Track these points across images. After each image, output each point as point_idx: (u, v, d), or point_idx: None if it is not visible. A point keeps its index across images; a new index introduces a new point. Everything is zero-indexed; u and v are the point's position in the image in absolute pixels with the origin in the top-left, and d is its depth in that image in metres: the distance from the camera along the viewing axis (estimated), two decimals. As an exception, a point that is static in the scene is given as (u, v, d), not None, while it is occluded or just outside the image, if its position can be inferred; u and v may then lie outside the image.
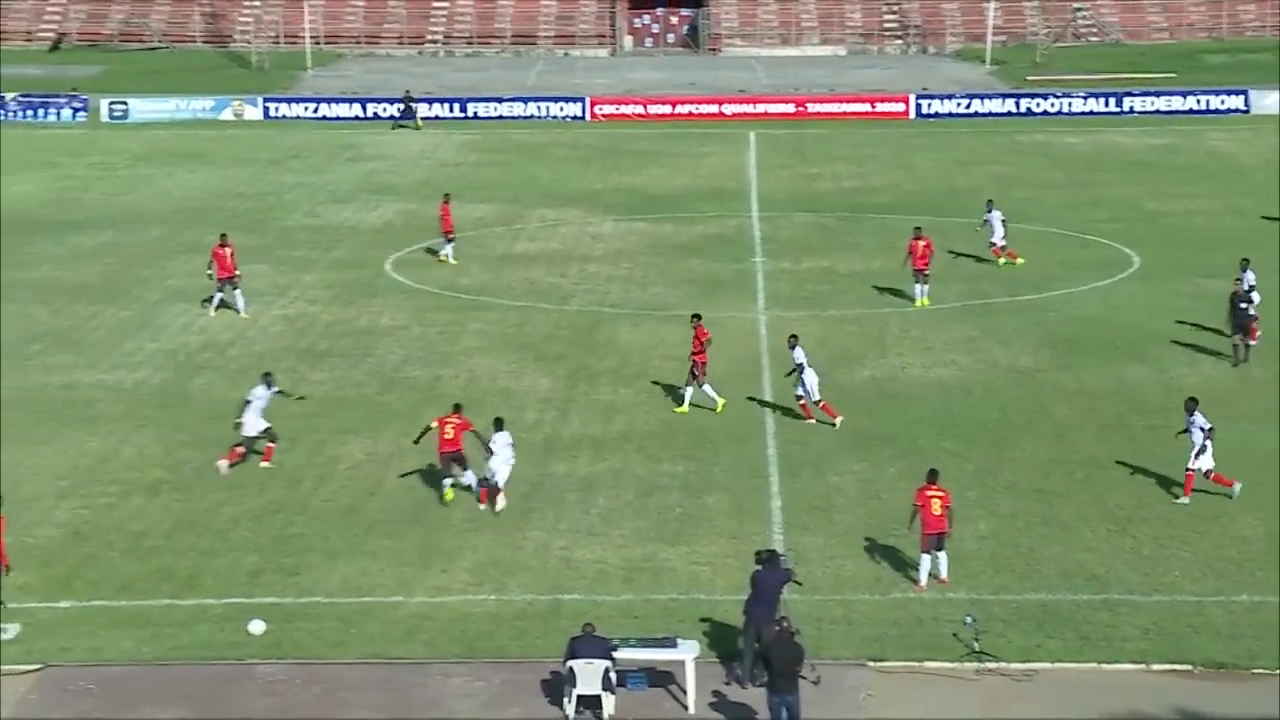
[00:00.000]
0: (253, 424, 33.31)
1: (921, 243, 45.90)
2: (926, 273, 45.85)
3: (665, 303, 46.69)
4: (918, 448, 34.60)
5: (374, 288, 48.27)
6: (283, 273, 49.91)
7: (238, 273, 45.18)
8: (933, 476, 28.58)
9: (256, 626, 26.06)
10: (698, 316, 37.86)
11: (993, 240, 50.48)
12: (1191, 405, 31.99)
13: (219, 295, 44.98)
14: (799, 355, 36.31)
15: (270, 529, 30.31)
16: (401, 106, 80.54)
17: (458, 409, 32.08)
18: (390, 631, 26.46)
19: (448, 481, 31.55)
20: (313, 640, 26.11)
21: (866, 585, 28.12)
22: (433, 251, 52.18)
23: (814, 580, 27.74)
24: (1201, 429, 31.41)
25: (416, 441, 32.29)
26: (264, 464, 33.22)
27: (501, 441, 31.20)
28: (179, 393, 38.14)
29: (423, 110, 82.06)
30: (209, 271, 45.34)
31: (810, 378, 36.14)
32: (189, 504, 31.46)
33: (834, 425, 35.61)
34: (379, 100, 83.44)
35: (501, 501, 31.05)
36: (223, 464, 32.89)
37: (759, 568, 25.15)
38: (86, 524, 30.41)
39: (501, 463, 31.12)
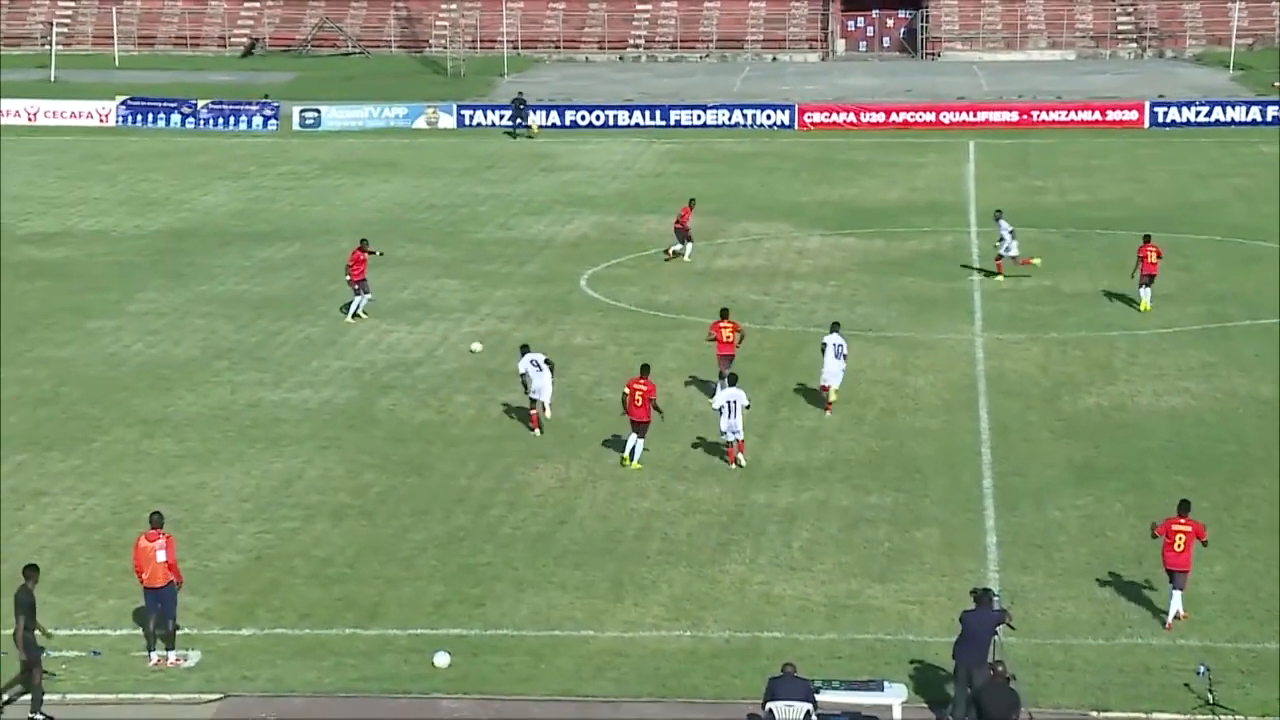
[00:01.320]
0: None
1: (1152, 250, 46.93)
2: (1154, 276, 46.95)
3: (875, 323, 46.39)
4: (1147, 481, 33.95)
5: (568, 304, 48.64)
6: (474, 288, 50.52)
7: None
8: (1183, 509, 28.04)
9: (441, 659, 26.34)
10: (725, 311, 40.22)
11: (1000, 253, 50.95)
12: None
13: (358, 300, 46.18)
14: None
15: (457, 557, 30.64)
16: (513, 111, 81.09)
17: (645, 371, 35.50)
18: (580, 667, 26.57)
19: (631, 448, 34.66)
20: (499, 675, 26.31)
21: (1089, 629, 27.62)
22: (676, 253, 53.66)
23: (1032, 622, 27.32)
24: None
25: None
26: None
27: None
28: (365, 413, 38.74)
29: (622, 118, 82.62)
30: (348, 277, 46.42)
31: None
32: (374, 530, 31.93)
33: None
34: (577, 108, 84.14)
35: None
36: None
37: (971, 607, 24.83)
38: (270, 549, 31.00)
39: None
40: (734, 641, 27.32)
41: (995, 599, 25.80)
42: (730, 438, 35.03)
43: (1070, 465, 35.05)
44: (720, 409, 34.98)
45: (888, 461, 35.46)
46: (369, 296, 46.64)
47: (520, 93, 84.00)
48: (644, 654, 26.69)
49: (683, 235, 53.94)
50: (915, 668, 26.30)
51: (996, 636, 24.84)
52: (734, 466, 34.81)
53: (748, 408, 35.30)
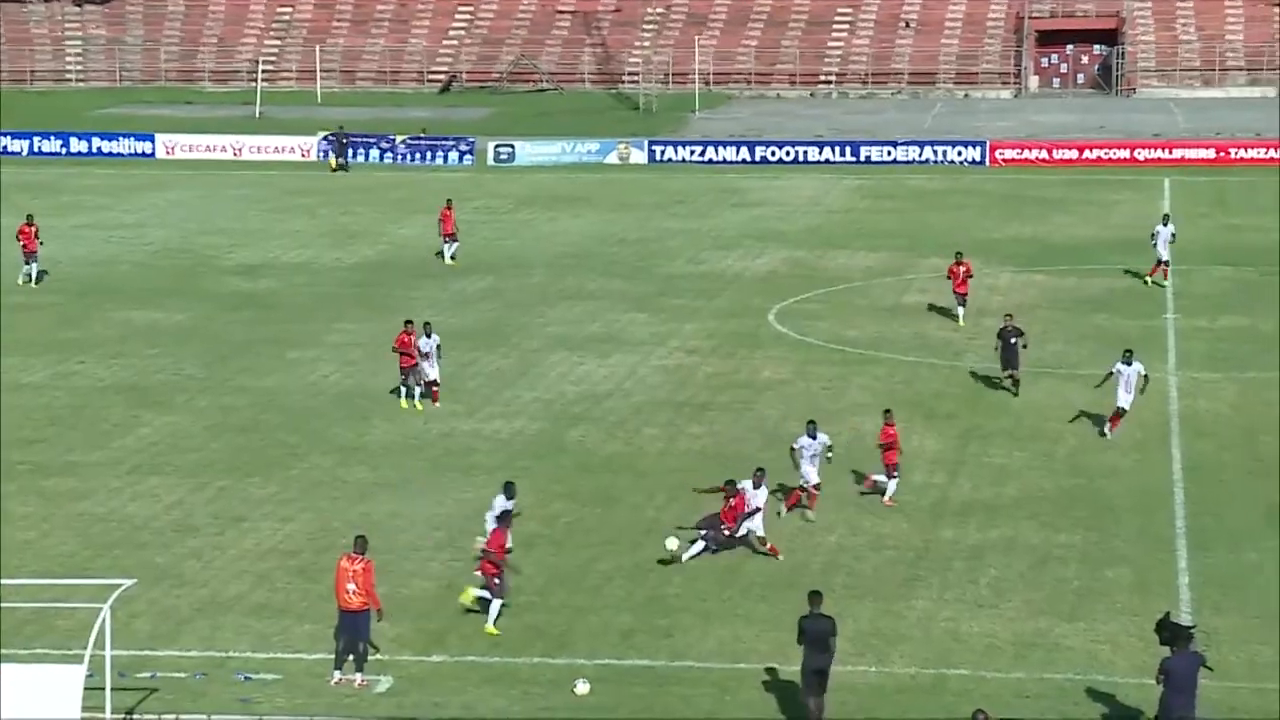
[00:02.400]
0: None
1: (962, 268, 49.47)
2: (965, 295, 49.27)
3: (1066, 360, 45.82)
4: (1345, 525, 33.14)
5: (757, 339, 48.65)
6: (663, 321, 50.74)
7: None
8: None
9: (582, 687, 26.49)
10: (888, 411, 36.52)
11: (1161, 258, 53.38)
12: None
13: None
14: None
15: (644, 588, 30.73)
16: (335, 145, 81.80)
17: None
18: (766, 701, 26.51)
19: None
20: (685, 706, 26.33)
21: (1285, 674, 27.00)
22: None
23: (1225, 666, 26.76)
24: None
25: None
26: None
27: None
28: (555, 444, 39.04)
29: (813, 154, 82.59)
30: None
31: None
32: (562, 559, 32.15)
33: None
34: (767, 144, 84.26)
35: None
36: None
37: (1170, 654, 24.07)
38: (461, 577, 31.29)
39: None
40: (920, 678, 27.10)
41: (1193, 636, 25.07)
42: (806, 481, 34.02)
43: (1267, 507, 34.31)
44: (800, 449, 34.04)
45: (1078, 500, 34.99)
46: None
47: (340, 125, 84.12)
48: (830, 687, 26.52)
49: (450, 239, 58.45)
50: (1106, 708, 25.88)
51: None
52: (806, 517, 33.85)
53: (830, 449, 34.44)
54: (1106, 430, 38.74)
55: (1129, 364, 38.67)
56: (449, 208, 60.23)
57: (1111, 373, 38.89)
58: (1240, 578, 30.81)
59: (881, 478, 35.06)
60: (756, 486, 32.00)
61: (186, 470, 37.21)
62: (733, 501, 31.95)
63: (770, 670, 27.32)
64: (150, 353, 47.29)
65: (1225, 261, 58.09)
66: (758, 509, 31.90)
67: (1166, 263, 54.63)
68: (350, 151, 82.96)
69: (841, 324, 50.27)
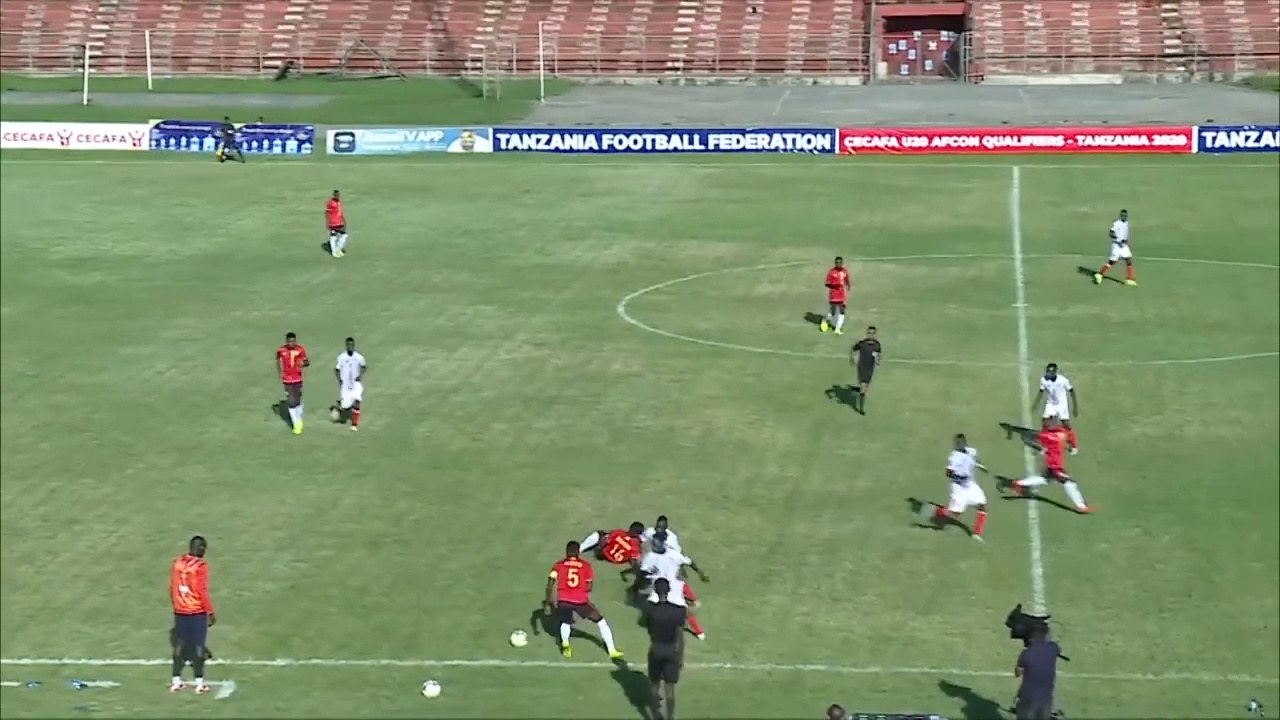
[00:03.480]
0: None
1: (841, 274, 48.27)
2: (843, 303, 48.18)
3: (917, 351, 46.37)
4: (1196, 514, 33.86)
5: (606, 331, 48.74)
6: (510, 314, 50.66)
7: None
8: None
9: (432, 689, 26.44)
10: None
11: (1111, 258, 52.53)
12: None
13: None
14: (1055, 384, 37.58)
15: (494, 587, 30.69)
16: (223, 137, 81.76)
17: (573, 550, 28.72)
18: (619, 698, 26.58)
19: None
20: (537, 706, 26.34)
21: (1139, 664, 27.54)
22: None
23: (1079, 656, 27.20)
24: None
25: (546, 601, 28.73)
26: None
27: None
28: (401, 440, 38.86)
29: (661, 142, 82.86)
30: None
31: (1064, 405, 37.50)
32: (410, 558, 32.01)
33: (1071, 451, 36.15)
34: (615, 132, 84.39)
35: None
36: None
37: (1027, 645, 24.47)
38: (305, 578, 31.10)
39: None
40: (776, 674, 27.31)
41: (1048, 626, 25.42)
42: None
43: (1117, 496, 34.97)
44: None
45: (932, 491, 35.34)
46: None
47: (227, 117, 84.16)
48: (684, 686, 26.61)
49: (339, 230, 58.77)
50: (962, 702, 26.24)
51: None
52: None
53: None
54: (1040, 451, 37.82)
55: (1053, 379, 38.25)
56: (336, 199, 59.64)
57: (1041, 391, 38.32)
58: (1092, 568, 31.37)
59: (1036, 480, 34.68)
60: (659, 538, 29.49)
61: (15, 471, 36.57)
62: (628, 547, 31.10)
63: (624, 667, 27.39)
64: (-24, 350, 46.43)
65: (1074, 250, 59.02)
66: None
67: (1129, 260, 52.98)
68: (240, 142, 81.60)
69: (692, 315, 50.49)
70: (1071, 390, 37.85)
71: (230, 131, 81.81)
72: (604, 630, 28.16)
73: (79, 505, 34.66)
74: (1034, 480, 34.83)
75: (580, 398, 42.16)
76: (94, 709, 26.03)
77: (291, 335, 40.52)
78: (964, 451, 33.12)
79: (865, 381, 41.06)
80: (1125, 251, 53.22)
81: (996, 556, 31.95)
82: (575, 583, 28.12)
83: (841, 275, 48.07)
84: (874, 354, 41.29)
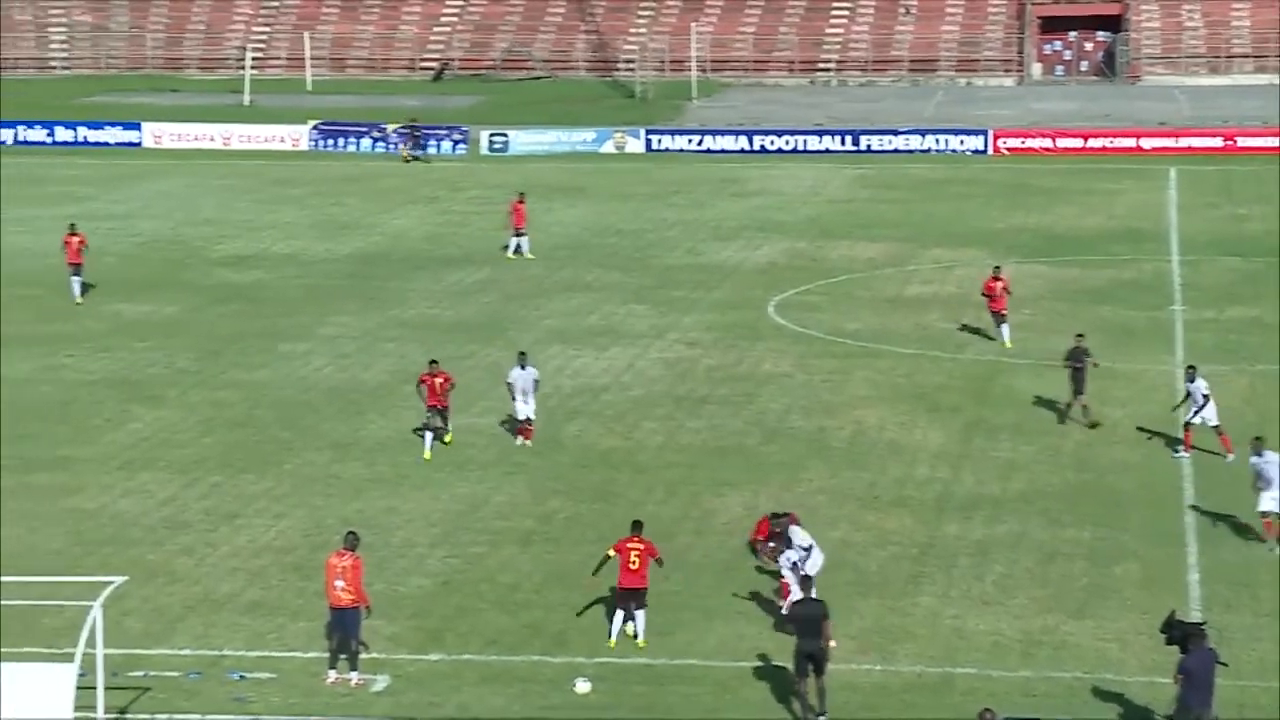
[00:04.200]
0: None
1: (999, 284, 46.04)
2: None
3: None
4: (1357, 520, 33.17)
5: (757, 331, 48.67)
6: (662, 313, 50.74)
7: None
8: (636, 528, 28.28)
9: (582, 686, 26.53)
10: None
11: (1188, 418, 37.70)
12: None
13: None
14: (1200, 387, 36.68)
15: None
16: (410, 136, 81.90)
17: (638, 529, 28.62)
18: (767, 699, 26.55)
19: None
20: (686, 704, 26.37)
21: (1296, 671, 27.07)
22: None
23: (1237, 663, 26.77)
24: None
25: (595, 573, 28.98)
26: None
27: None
28: (552, 439, 39.04)
29: (812, 143, 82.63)
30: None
31: (1210, 409, 36.65)
32: (560, 556, 32.17)
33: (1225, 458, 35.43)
34: (766, 132, 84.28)
35: None
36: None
37: (1183, 651, 24.10)
38: (457, 574, 31.35)
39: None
40: (925, 676, 27.14)
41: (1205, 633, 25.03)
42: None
43: (1276, 502, 34.32)
44: None
45: (1086, 495, 35.03)
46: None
47: (414, 118, 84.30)
48: (834, 686, 26.56)
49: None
50: (1115, 707, 25.93)
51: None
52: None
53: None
54: (1183, 453, 37.17)
55: (1193, 381, 37.68)
56: (521, 200, 59.49)
57: (1188, 393, 37.69)
58: (1250, 574, 30.86)
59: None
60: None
61: (178, 466, 37.22)
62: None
63: (772, 668, 27.35)
64: (140, 346, 47.29)
65: (1232, 252, 58.10)
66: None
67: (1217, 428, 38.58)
68: (424, 142, 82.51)
69: (842, 316, 50.29)
70: (1206, 395, 36.99)
71: (417, 133, 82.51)
72: (640, 619, 28.02)
73: (239, 500, 35.19)
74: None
75: (731, 397, 42.15)
76: (251, 700, 26.43)
77: (434, 362, 38.63)
78: (1261, 455, 31.99)
79: (1079, 393, 39.08)
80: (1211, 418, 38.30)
81: (1151, 561, 31.53)
82: (636, 565, 27.87)
83: (999, 285, 46.23)
84: (1083, 359, 39.31)
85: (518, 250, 58.80)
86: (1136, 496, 34.97)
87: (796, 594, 27.75)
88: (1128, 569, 31.20)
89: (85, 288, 52.79)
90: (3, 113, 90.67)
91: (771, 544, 30.11)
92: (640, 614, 28.30)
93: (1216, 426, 36.80)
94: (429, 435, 37.79)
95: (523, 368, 38.21)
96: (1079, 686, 26.65)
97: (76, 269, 52.55)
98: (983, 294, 47.01)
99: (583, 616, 29.33)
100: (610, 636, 28.28)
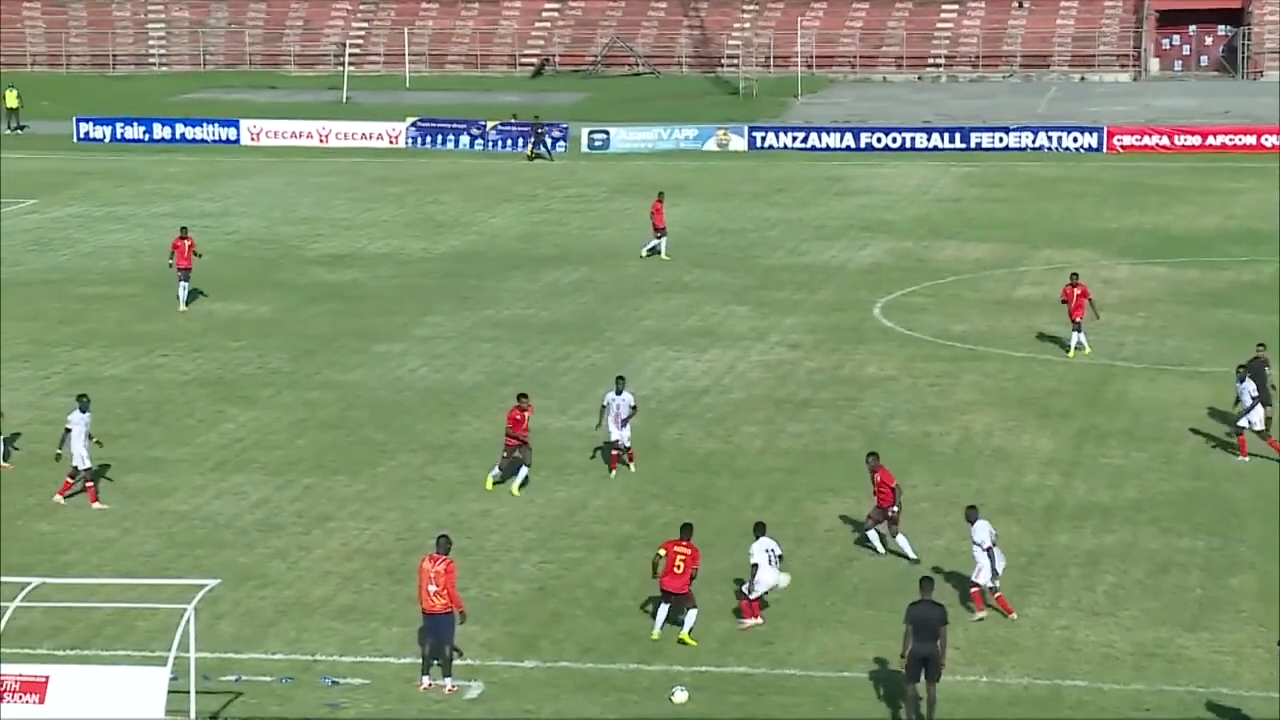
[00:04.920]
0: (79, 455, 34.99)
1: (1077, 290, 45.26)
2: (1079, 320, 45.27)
3: (1187, 357, 45.41)
4: None
5: (861, 333, 48.49)
6: (763, 315, 50.66)
7: None
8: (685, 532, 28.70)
9: (680, 695, 26.51)
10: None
11: (1239, 423, 37.80)
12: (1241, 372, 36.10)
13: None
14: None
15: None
16: (533, 136, 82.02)
17: (687, 533, 29.10)
18: (870, 710, 26.44)
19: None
20: (785, 714, 26.31)
21: None
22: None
23: (1357, 680, 26.44)
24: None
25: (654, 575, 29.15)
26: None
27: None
28: (651, 442, 39.05)
29: (920, 140, 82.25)
30: None
31: (1258, 412, 36.47)
32: (659, 561, 32.13)
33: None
34: (873, 130, 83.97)
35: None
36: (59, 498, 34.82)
37: None
38: (553, 579, 31.43)
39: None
40: (1033, 689, 26.95)
41: None
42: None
43: (1401, 512, 33.87)
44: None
45: (1200, 503, 34.66)
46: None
47: (537, 116, 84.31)
48: (939, 699, 26.41)
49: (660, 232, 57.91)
50: (1228, 724, 25.67)
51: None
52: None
53: None
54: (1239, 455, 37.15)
55: (1242, 381, 37.12)
56: (660, 200, 59.62)
57: (1238, 395, 37.27)
58: (1372, 587, 30.44)
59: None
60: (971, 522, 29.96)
61: (271, 467, 37.54)
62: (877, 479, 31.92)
63: (875, 678, 27.24)
64: (234, 345, 47.73)
65: (1356, 253, 57.32)
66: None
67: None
68: (549, 141, 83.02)
69: (950, 318, 50.01)
70: (1256, 398, 36.73)
71: (540, 130, 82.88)
72: (691, 616, 28.29)
73: (332, 502, 35.44)
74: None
75: (834, 401, 42.01)
76: (344, 705, 26.61)
77: (523, 395, 36.98)
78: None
79: (1266, 404, 36.83)
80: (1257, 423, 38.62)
81: (1269, 572, 31.15)
82: (681, 569, 28.23)
83: (1075, 291, 45.21)
84: (1267, 370, 37.54)
85: (654, 251, 58.57)
86: (1253, 505, 34.58)
87: (986, 572, 29.14)
88: (1244, 580, 30.85)
89: (193, 294, 52.35)
90: (102, 109, 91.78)
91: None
92: (691, 613, 28.54)
93: (1261, 431, 36.64)
94: (503, 471, 36.33)
95: (618, 392, 37.02)
96: (1192, 701, 26.38)
97: (185, 274, 51.77)
98: (1061, 300, 46.29)
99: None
100: (654, 629, 28.54)
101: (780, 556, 29.59)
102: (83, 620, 28.45)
